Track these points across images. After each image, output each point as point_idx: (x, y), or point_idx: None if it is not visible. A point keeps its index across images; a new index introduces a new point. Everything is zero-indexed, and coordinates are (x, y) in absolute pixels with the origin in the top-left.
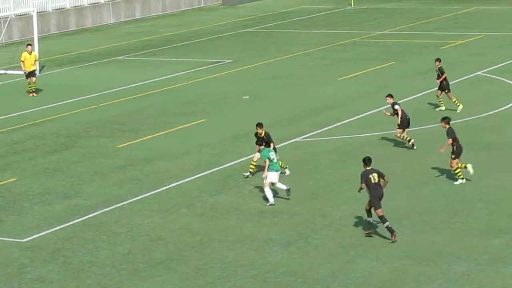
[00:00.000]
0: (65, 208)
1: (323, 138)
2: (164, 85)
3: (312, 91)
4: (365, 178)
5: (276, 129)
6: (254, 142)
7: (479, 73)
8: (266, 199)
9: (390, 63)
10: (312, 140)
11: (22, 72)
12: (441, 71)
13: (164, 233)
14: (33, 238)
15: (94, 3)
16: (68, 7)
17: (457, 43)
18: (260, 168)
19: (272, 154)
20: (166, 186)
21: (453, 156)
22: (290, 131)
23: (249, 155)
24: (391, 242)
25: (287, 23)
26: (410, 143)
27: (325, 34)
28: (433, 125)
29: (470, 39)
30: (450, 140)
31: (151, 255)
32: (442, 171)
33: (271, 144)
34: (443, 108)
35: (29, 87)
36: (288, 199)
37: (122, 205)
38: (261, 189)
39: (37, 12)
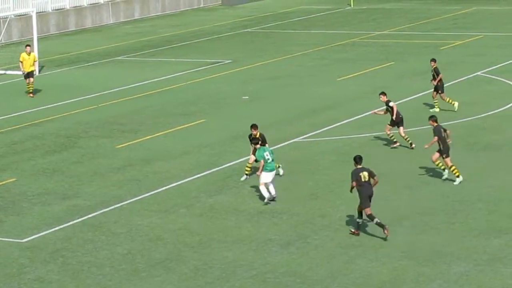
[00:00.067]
0: (64, 209)
1: (322, 138)
2: (163, 86)
3: (311, 91)
4: (355, 176)
5: (275, 129)
6: (249, 143)
7: (478, 73)
8: (263, 198)
9: (390, 63)
10: (311, 141)
11: (21, 73)
12: (436, 72)
13: (163, 233)
14: (33, 239)
15: (93, 4)
16: (68, 7)
17: (456, 44)
18: (256, 170)
19: (267, 154)
20: (165, 186)
21: (444, 156)
22: (289, 132)
23: (248, 156)
24: (385, 237)
25: (287, 23)
26: (411, 146)
27: (325, 34)
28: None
29: (470, 40)
30: (436, 138)
31: (150, 256)
32: (441, 171)
33: (266, 145)
34: (437, 109)
35: (28, 87)
36: (269, 203)
37: (121, 206)
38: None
39: (37, 13)
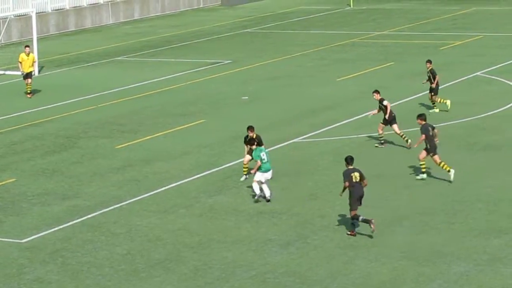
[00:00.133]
0: (64, 209)
1: (321, 138)
2: (163, 86)
3: (310, 91)
4: (347, 177)
5: (274, 129)
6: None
7: (478, 73)
8: (262, 197)
9: (389, 63)
10: (311, 141)
11: (20, 73)
12: (433, 73)
13: (163, 233)
14: (32, 239)
15: (93, 4)
16: (67, 7)
17: (456, 44)
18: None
19: (263, 154)
20: (165, 186)
21: (431, 154)
22: (288, 132)
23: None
24: (372, 232)
25: (286, 23)
26: (408, 143)
27: (324, 34)
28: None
29: (469, 40)
30: (423, 136)
31: (149, 256)
32: (441, 171)
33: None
34: (436, 110)
35: (27, 88)
36: (259, 201)
37: (120, 206)
38: (260, 190)
39: (36, 13)
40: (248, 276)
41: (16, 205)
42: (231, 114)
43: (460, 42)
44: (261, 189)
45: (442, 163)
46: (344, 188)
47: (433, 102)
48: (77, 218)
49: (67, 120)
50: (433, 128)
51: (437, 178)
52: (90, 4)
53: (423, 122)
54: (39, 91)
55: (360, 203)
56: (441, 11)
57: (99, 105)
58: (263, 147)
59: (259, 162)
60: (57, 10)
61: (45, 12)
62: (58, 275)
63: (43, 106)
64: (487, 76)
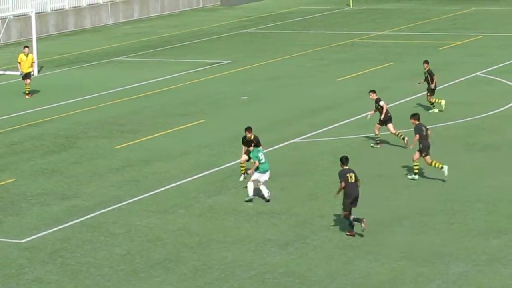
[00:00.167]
0: (63, 209)
1: (321, 139)
2: (162, 86)
3: (310, 91)
4: (343, 177)
5: (274, 129)
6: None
7: (477, 73)
8: (261, 197)
9: (389, 64)
10: (311, 141)
11: (19, 73)
12: (430, 74)
13: (162, 233)
14: (31, 239)
15: (92, 4)
16: (67, 7)
17: (455, 44)
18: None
19: (261, 155)
20: (164, 187)
21: (423, 154)
22: (288, 132)
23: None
24: (363, 231)
25: (286, 23)
26: (405, 141)
27: (324, 35)
28: (431, 126)
29: (469, 40)
30: (417, 136)
31: (149, 256)
32: (440, 172)
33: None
34: (436, 110)
35: (26, 88)
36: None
37: (120, 206)
38: (259, 190)
39: (36, 13)
40: (247, 276)
41: (15, 205)
42: (230, 114)
43: (460, 42)
44: (259, 190)
45: (434, 162)
46: (341, 189)
47: (432, 102)
48: (77, 218)
49: (67, 120)
50: (427, 129)
51: (436, 178)
52: (89, 4)
53: (417, 122)
54: (39, 91)
55: (355, 204)
56: (440, 11)
57: (98, 105)
58: (260, 148)
59: (257, 163)
60: (56, 10)
61: (45, 12)
62: (57, 275)
63: (43, 106)
64: (486, 76)
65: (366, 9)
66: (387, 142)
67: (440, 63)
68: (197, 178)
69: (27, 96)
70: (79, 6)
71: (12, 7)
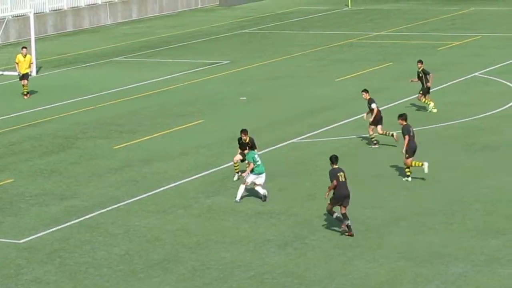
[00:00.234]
0: (62, 209)
1: (320, 139)
2: (161, 86)
3: (309, 92)
4: (334, 176)
5: (273, 130)
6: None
7: (476, 74)
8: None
9: (387, 64)
10: (309, 141)
11: (17, 74)
12: (425, 73)
13: (161, 234)
14: (30, 239)
15: (91, 4)
16: (65, 8)
17: (454, 44)
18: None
19: (257, 157)
20: (163, 187)
21: (406, 155)
22: (287, 132)
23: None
24: (341, 230)
25: (285, 24)
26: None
27: (322, 35)
28: (430, 126)
29: (467, 40)
30: (407, 137)
31: (148, 256)
32: (439, 172)
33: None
34: (434, 110)
35: (23, 89)
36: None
37: (119, 206)
38: (256, 191)
39: (34, 13)
40: (246, 277)
41: (14, 206)
42: (229, 114)
43: (458, 43)
44: (255, 191)
45: (414, 162)
46: (332, 187)
47: (429, 102)
48: (75, 219)
49: (65, 121)
50: (412, 130)
51: (435, 178)
52: (88, 5)
53: (404, 123)
54: (37, 91)
55: (347, 202)
56: (439, 12)
57: (97, 106)
58: (255, 150)
59: (251, 164)
60: (55, 10)
61: (43, 12)
62: (56, 276)
63: (41, 106)
64: (485, 76)
65: (365, 9)
66: (387, 144)
67: (438, 63)
68: (196, 178)
69: (25, 97)
70: (77, 7)
71: (11, 8)
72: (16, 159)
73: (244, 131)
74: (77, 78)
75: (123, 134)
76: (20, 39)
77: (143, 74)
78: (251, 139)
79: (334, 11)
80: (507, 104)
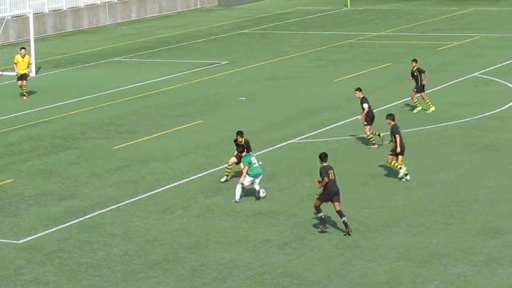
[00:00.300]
0: (61, 210)
1: (319, 139)
2: (160, 87)
3: (308, 92)
4: (325, 173)
5: (272, 130)
6: (235, 149)
7: (475, 74)
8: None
9: (386, 64)
10: (309, 142)
11: (15, 74)
12: (420, 72)
13: (160, 234)
14: (29, 240)
15: (90, 5)
16: (65, 8)
17: (453, 44)
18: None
19: (254, 159)
20: (162, 187)
21: (391, 153)
22: (286, 132)
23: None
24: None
25: (283, 24)
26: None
27: (321, 35)
28: (429, 127)
29: (467, 40)
30: (398, 137)
31: (147, 257)
32: (438, 172)
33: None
34: (433, 108)
35: (22, 89)
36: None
37: (118, 207)
38: (254, 190)
39: (34, 14)
40: (245, 277)
41: (13, 206)
42: (228, 115)
43: (458, 43)
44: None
45: (393, 162)
46: (324, 184)
47: (428, 102)
48: (74, 219)
49: (65, 121)
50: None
51: (434, 178)
52: (87, 5)
53: (393, 122)
54: (37, 91)
55: (338, 199)
56: (438, 12)
57: (96, 106)
58: (251, 153)
59: (246, 168)
60: (54, 11)
61: (42, 12)
62: (56, 276)
63: (41, 107)
64: (484, 76)
65: (364, 9)
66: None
67: (438, 63)
68: (195, 178)
69: (24, 97)
70: (77, 7)
71: (10, 8)
72: (15, 160)
73: (239, 133)
74: (77, 79)
75: (122, 134)
76: (20, 40)
77: (142, 74)
78: (246, 141)
79: (333, 11)
80: (507, 104)
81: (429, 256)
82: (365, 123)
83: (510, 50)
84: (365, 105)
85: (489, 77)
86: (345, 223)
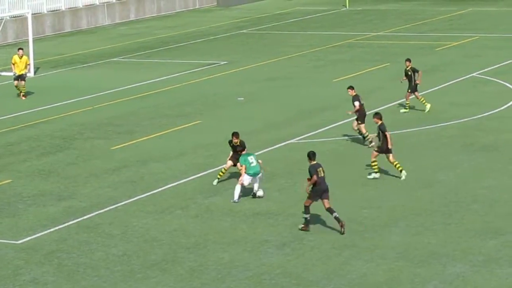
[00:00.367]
0: (59, 210)
1: (318, 139)
2: (159, 87)
3: (307, 92)
4: (314, 171)
5: (271, 130)
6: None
7: (474, 74)
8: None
9: (385, 64)
10: (307, 142)
11: (12, 74)
12: (414, 71)
13: (159, 234)
14: (28, 240)
15: (89, 5)
16: (63, 8)
17: (452, 45)
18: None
19: (251, 158)
20: (161, 187)
21: (377, 150)
22: (285, 133)
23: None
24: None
25: (282, 24)
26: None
27: (320, 35)
28: (428, 127)
29: (465, 41)
30: (388, 134)
31: (145, 257)
32: (437, 172)
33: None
34: (428, 105)
35: (20, 90)
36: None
37: (116, 207)
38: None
39: (32, 14)
40: (244, 277)
41: (12, 206)
42: (227, 115)
43: (456, 43)
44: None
45: (374, 162)
46: (313, 182)
47: (423, 101)
48: (73, 219)
49: (63, 121)
50: None
51: (433, 178)
52: (85, 5)
53: (380, 121)
54: (35, 92)
55: (327, 196)
56: (437, 12)
57: (95, 106)
58: (249, 152)
59: (243, 167)
60: (52, 11)
61: (41, 13)
62: (54, 276)
63: (39, 107)
64: (483, 77)
65: (363, 10)
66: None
67: (436, 63)
68: (194, 179)
69: (22, 98)
70: (75, 7)
71: (9, 8)
72: (14, 160)
73: (235, 134)
74: (75, 79)
75: (121, 134)
76: (18, 40)
77: (141, 74)
78: (241, 142)
79: (332, 11)
80: (505, 104)
81: (428, 256)
82: (359, 121)
83: (508, 50)
84: (356, 103)
85: (488, 77)
86: (336, 218)
